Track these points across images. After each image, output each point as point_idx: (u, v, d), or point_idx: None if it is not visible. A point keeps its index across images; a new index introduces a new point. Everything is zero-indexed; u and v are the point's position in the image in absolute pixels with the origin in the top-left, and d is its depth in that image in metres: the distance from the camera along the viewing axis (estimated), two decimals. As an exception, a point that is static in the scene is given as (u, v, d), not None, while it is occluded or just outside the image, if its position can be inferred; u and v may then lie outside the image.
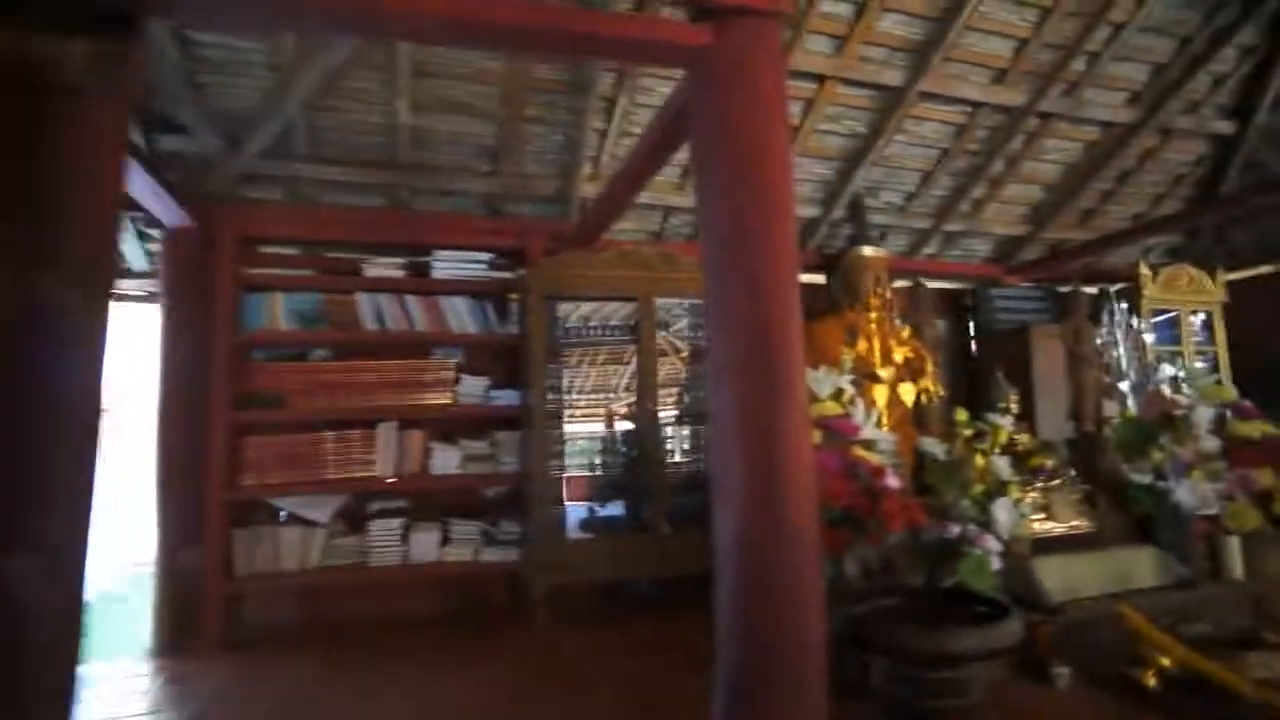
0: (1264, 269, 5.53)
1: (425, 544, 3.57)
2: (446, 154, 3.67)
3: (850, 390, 2.46)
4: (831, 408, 2.43)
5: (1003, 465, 2.60)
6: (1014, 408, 3.27)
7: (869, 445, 2.47)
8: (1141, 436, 3.02)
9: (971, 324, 5.01)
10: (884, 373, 2.71)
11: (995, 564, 2.46)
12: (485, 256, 3.85)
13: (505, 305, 3.88)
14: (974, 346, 4.67)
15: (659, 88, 3.57)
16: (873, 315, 2.73)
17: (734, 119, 1.86)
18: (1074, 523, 2.97)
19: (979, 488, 2.55)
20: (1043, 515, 2.94)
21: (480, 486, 3.76)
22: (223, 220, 3.41)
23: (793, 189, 1.88)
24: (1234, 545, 2.99)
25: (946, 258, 5.05)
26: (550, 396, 3.61)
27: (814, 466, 1.81)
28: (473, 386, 3.75)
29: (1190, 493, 2.91)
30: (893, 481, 2.42)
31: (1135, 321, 3.52)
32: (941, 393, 2.85)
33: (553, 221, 4.00)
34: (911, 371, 2.84)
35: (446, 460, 3.68)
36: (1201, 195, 5.08)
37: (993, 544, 2.43)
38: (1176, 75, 4.22)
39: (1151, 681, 2.22)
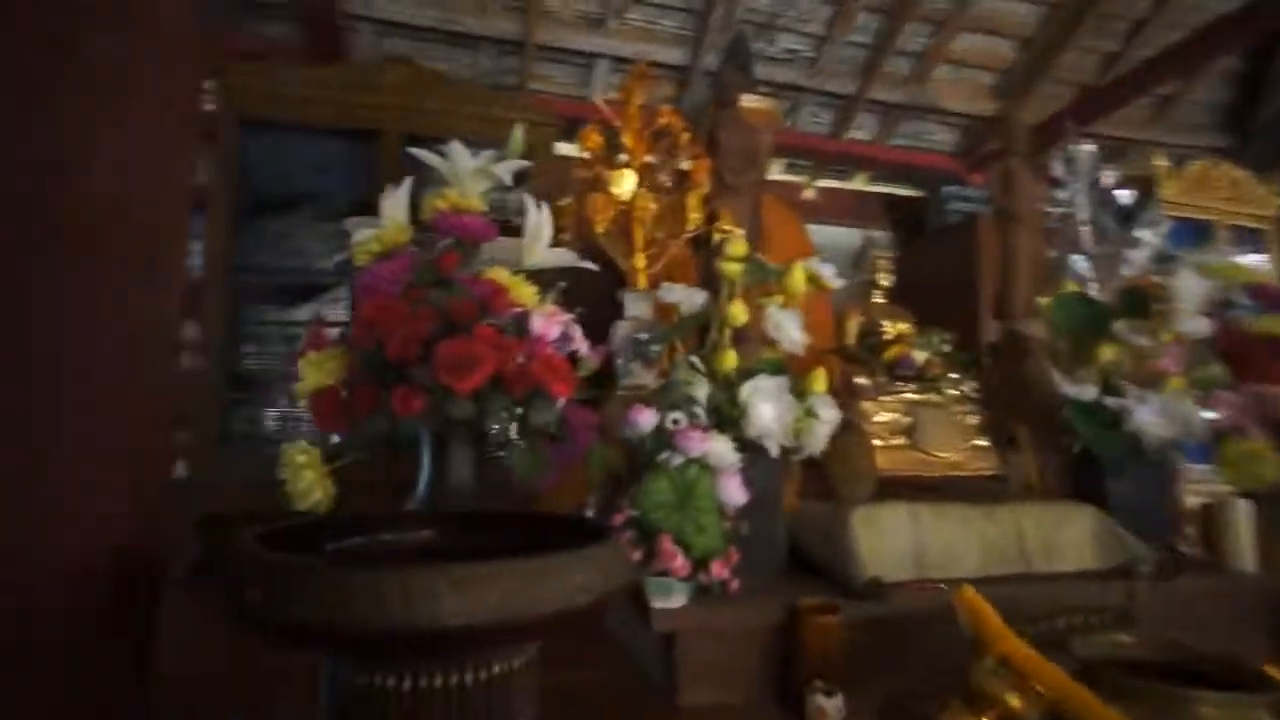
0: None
1: None
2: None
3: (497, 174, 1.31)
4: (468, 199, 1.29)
5: (786, 323, 1.42)
6: (884, 278, 2.06)
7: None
8: (1089, 322, 1.80)
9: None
10: (618, 177, 1.59)
11: (736, 494, 1.30)
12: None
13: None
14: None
15: None
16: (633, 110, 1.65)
17: None
18: (958, 457, 1.76)
19: (730, 359, 1.38)
20: (902, 440, 1.74)
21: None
22: None
23: None
24: (1241, 513, 1.74)
25: (890, 144, 3.81)
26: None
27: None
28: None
29: (1163, 415, 1.68)
30: (553, 332, 1.27)
31: (1103, 174, 2.31)
32: (728, 229, 1.71)
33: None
34: (667, 179, 1.71)
35: None
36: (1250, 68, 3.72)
37: (719, 450, 1.27)
38: None
39: (984, 738, 1.04)
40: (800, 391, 1.40)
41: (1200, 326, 1.67)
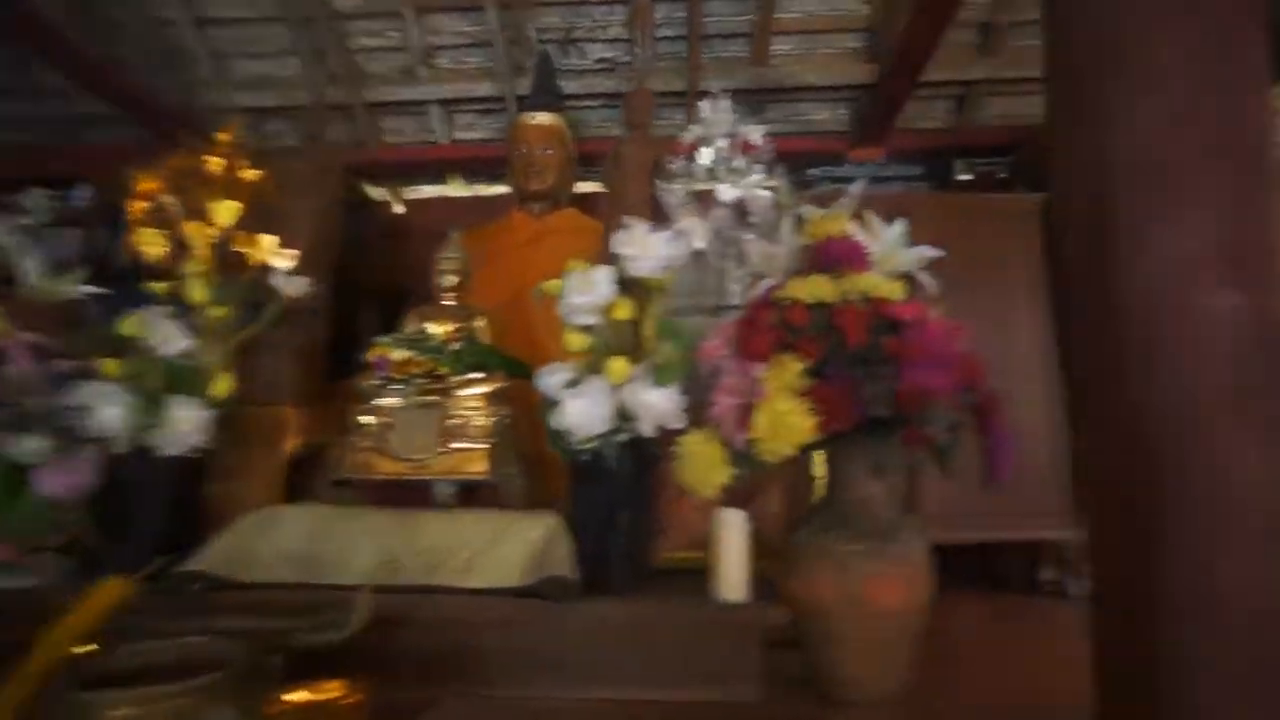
0: None
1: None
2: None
3: None
4: None
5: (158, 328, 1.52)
6: (448, 278, 1.94)
7: None
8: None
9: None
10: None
11: (46, 487, 1.44)
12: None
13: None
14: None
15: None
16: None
17: None
18: (431, 461, 1.64)
19: (109, 366, 1.52)
20: (369, 444, 1.68)
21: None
22: None
23: None
24: (730, 527, 1.40)
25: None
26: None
27: None
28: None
29: (589, 406, 1.43)
30: None
31: (747, 130, 1.88)
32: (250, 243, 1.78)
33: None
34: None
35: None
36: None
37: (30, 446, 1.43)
38: None
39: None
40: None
41: (579, 301, 1.40)
